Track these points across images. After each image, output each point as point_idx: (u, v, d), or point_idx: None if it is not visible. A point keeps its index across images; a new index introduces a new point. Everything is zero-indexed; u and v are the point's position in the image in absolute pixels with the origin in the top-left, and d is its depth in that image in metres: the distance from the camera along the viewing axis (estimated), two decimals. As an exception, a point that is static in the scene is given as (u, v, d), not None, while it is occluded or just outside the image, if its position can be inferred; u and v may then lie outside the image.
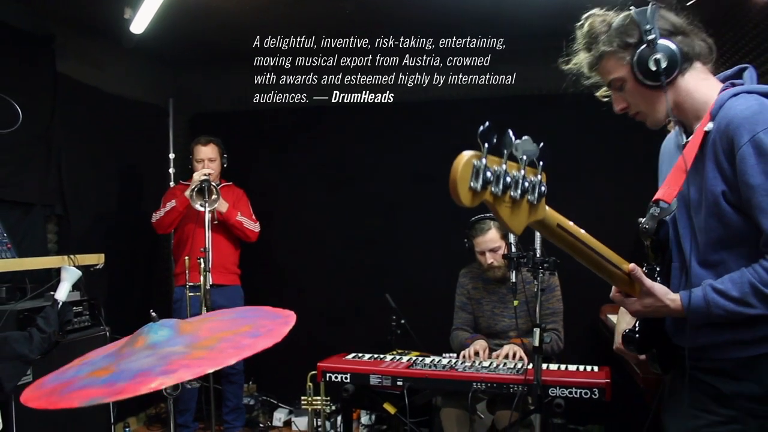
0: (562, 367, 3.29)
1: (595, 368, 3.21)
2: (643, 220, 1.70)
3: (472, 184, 1.21)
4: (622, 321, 2.16)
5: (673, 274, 1.78)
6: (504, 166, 1.25)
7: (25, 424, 2.97)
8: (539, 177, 1.33)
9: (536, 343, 2.85)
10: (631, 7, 1.75)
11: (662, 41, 1.70)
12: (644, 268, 1.73)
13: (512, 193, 1.27)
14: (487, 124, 1.21)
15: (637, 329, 1.83)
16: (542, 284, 2.94)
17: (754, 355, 1.65)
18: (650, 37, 1.70)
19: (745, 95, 1.67)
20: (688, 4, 3.17)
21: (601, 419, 4.47)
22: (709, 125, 1.67)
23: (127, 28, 3.94)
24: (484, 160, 1.21)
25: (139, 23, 3.91)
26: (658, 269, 1.76)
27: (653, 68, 1.70)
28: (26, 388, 1.56)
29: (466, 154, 1.20)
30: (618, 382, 3.09)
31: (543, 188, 1.34)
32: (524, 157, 1.28)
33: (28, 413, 2.75)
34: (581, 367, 3.25)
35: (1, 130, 2.60)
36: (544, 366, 3.16)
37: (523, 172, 1.29)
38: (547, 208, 1.41)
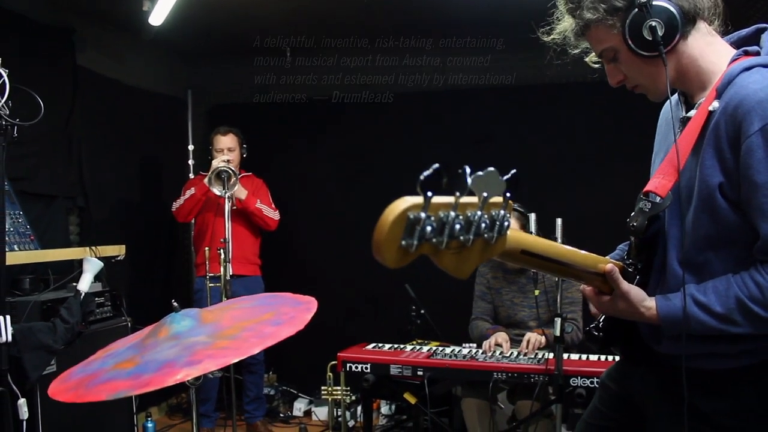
0: (584, 356, 3.27)
1: (617, 358, 3.18)
2: (631, 215, 1.48)
3: (403, 242, 0.95)
4: None
5: (653, 269, 1.55)
6: (452, 213, 1.00)
7: (50, 414, 3.00)
8: (502, 212, 1.08)
9: (557, 333, 2.84)
10: None
11: (657, 2, 1.43)
12: (625, 263, 1.54)
13: (462, 238, 1.02)
14: (435, 166, 0.95)
15: (601, 325, 1.63)
16: (563, 273, 2.91)
17: (733, 368, 1.46)
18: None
19: (760, 69, 1.40)
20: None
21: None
22: (714, 104, 1.41)
23: (145, 20, 3.95)
24: (422, 214, 0.95)
25: (158, 15, 3.92)
26: (639, 267, 1.54)
27: (649, 37, 1.44)
28: (53, 381, 1.58)
29: (399, 207, 0.95)
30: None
31: (507, 223, 1.09)
32: (485, 194, 1.03)
33: (52, 403, 2.78)
34: (602, 357, 3.23)
35: (23, 123, 2.61)
36: (565, 356, 3.14)
37: (479, 212, 1.03)
38: (509, 234, 1.15)
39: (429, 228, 0.96)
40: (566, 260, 1.41)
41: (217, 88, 5.66)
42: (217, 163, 4.26)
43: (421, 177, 0.94)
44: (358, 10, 4.38)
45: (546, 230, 2.98)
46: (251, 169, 4.74)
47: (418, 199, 0.96)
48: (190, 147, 5.43)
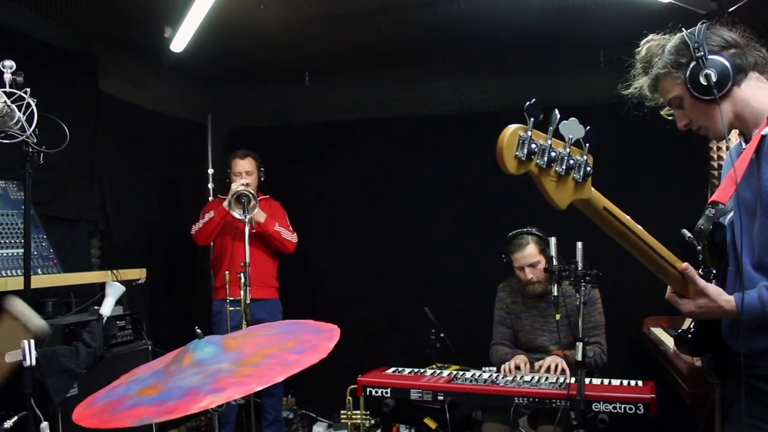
0: (606, 381, 3.23)
1: (640, 383, 3.15)
2: (698, 222, 1.72)
3: (517, 152, 1.28)
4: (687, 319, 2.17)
5: (729, 278, 1.80)
6: (549, 142, 1.32)
7: (72, 437, 3.02)
8: (585, 158, 1.40)
9: (579, 357, 2.81)
10: (683, 29, 1.82)
11: (712, 57, 1.75)
12: (700, 271, 1.77)
13: (557, 168, 1.35)
14: (533, 100, 1.28)
15: (691, 330, 1.86)
16: (583, 297, 2.89)
17: None
18: (699, 54, 1.75)
19: None
20: (729, 10, 3.13)
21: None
22: (765, 129, 1.69)
23: (167, 47, 4.02)
24: (529, 133, 1.29)
25: (179, 42, 3.98)
26: (714, 272, 1.79)
27: (705, 83, 1.74)
28: (77, 405, 1.58)
29: (513, 126, 1.28)
30: (663, 397, 3.03)
31: (589, 168, 1.41)
32: (570, 137, 1.35)
33: (74, 426, 2.79)
34: (625, 382, 3.19)
35: (49, 150, 2.65)
36: (587, 380, 3.11)
37: (568, 150, 1.36)
38: (593, 190, 1.47)
39: (534, 146, 1.30)
40: (641, 235, 1.62)
41: (237, 112, 5.73)
42: (237, 186, 4.29)
43: (526, 105, 1.28)
44: (376, 35, 4.42)
45: (566, 254, 2.97)
46: (270, 192, 4.77)
47: (524, 125, 1.30)
48: (210, 170, 5.49)
